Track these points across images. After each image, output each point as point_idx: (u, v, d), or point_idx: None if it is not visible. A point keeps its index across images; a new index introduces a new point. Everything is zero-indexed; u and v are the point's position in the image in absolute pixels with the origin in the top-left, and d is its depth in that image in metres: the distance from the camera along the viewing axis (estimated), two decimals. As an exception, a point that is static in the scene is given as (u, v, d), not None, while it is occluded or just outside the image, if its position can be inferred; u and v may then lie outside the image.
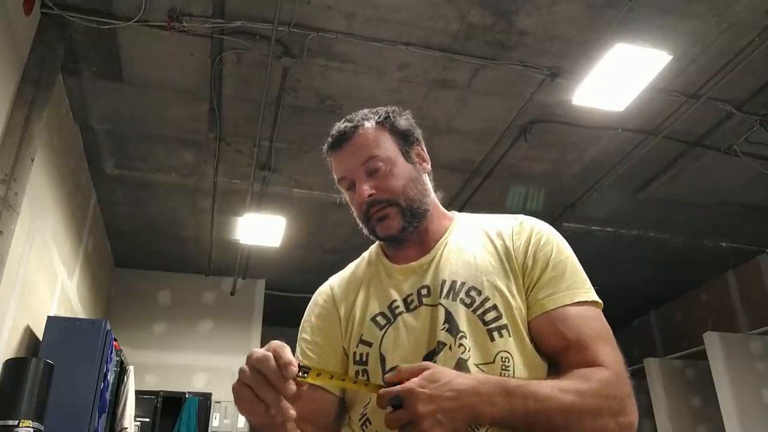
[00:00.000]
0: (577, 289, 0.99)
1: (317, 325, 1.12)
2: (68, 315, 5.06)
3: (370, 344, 1.03)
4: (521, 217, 1.11)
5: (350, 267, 1.19)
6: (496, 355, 0.94)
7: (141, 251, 7.05)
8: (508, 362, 0.94)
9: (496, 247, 1.05)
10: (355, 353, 1.04)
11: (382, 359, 1.01)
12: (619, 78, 3.86)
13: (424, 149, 1.16)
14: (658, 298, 8.23)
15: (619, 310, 8.44)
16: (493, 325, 0.97)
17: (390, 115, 1.13)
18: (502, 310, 0.98)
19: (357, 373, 1.03)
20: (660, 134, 4.68)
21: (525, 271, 1.02)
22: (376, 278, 1.10)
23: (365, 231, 1.11)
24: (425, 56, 4.01)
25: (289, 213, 5.93)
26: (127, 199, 5.87)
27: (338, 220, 6.16)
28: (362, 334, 1.05)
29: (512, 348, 0.95)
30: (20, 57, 3.48)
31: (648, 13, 3.63)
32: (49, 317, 4.27)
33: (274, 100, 4.38)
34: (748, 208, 5.82)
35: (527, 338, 0.97)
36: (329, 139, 1.14)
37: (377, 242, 1.17)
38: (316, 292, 1.19)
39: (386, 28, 3.82)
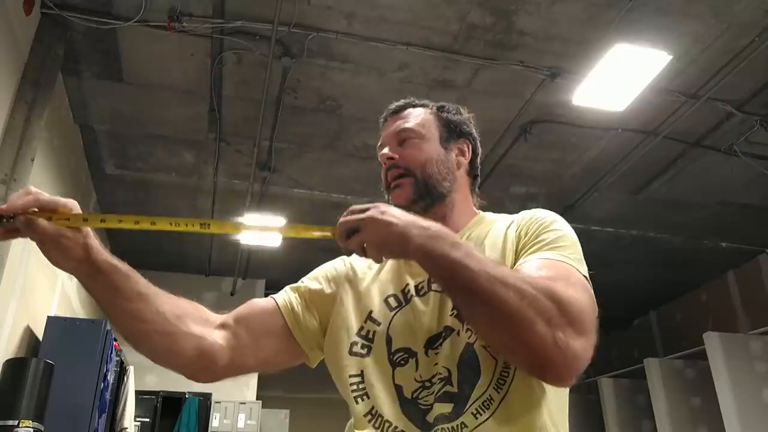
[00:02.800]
0: (557, 251, 0.94)
1: (321, 276, 1.18)
2: (68, 315, 5.05)
3: (379, 323, 1.04)
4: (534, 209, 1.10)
5: None
6: None
7: (141, 251, 7.05)
8: None
9: (505, 235, 1.05)
10: (362, 327, 1.05)
11: (389, 340, 1.02)
12: (619, 78, 3.86)
13: (471, 149, 1.19)
14: (658, 298, 8.23)
15: (619, 310, 8.44)
16: None
17: (447, 106, 1.20)
18: None
19: (354, 344, 1.04)
20: (660, 134, 4.68)
21: (519, 247, 1.00)
22: (394, 262, 1.12)
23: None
24: (425, 56, 4.01)
25: (289, 213, 5.93)
26: (127, 199, 5.87)
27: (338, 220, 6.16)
28: (372, 311, 1.06)
29: None
30: (20, 57, 3.48)
31: (648, 13, 3.63)
32: (49, 317, 4.28)
33: (274, 100, 4.38)
34: (748, 208, 5.81)
35: None
36: (384, 113, 1.21)
37: None
38: (339, 258, 1.22)
39: (386, 28, 3.82)
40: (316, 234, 0.95)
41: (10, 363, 3.56)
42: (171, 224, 0.91)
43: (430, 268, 0.87)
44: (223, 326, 1.06)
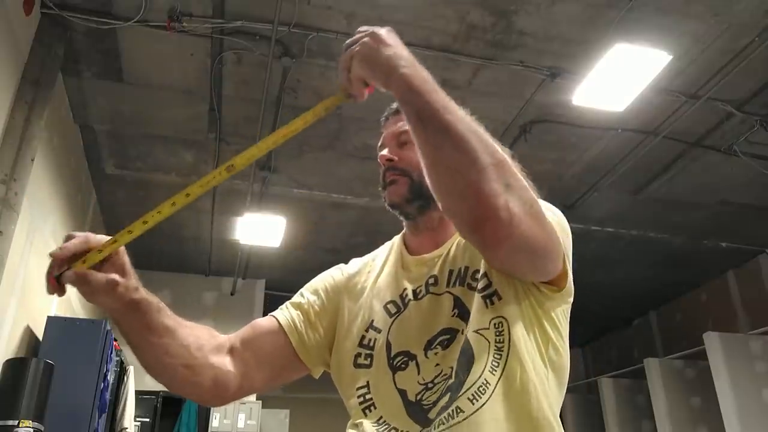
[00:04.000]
0: None
1: (320, 288, 1.17)
2: (68, 315, 5.05)
3: (379, 331, 1.05)
4: None
5: (373, 253, 1.21)
6: (491, 321, 0.94)
7: (141, 251, 7.04)
8: (501, 326, 0.93)
9: None
10: (363, 336, 1.06)
11: (389, 346, 1.02)
12: (619, 78, 3.86)
13: None
14: (658, 298, 8.23)
15: (619, 310, 8.44)
16: (485, 293, 0.96)
17: None
18: (493, 277, 0.97)
19: (358, 355, 1.05)
20: (660, 134, 4.68)
21: None
22: (392, 268, 1.12)
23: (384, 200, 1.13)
24: (425, 56, 4.00)
25: (289, 213, 5.93)
26: (127, 199, 5.87)
27: (338, 220, 6.16)
28: (374, 320, 1.07)
29: (505, 311, 0.94)
30: (20, 57, 3.48)
31: (648, 13, 3.63)
32: (49, 317, 4.27)
33: (274, 100, 4.38)
34: (748, 208, 5.82)
35: (525, 300, 0.96)
36: (386, 112, 1.19)
37: (401, 233, 1.18)
38: (336, 267, 1.21)
39: (386, 28, 3.82)
40: (330, 102, 1.00)
41: (10, 363, 3.56)
42: (201, 186, 0.91)
43: (410, 101, 0.86)
44: (231, 351, 1.07)
